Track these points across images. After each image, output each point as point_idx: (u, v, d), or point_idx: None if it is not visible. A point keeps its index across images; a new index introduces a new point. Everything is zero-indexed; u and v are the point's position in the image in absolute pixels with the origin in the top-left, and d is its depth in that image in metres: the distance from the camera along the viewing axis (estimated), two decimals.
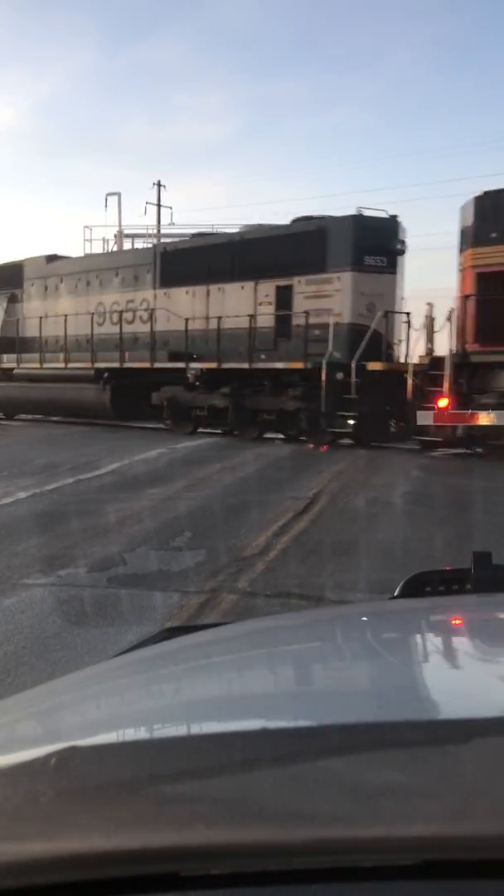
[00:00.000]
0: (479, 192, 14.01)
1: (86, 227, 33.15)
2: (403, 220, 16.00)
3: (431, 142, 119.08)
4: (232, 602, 5.19)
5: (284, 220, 17.87)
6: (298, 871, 0.59)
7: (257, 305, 16.94)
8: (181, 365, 17.89)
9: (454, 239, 14.75)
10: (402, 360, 15.47)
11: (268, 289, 16.85)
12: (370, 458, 13.25)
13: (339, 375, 14.85)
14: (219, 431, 17.63)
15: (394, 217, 15.87)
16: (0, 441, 16.96)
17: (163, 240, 29.07)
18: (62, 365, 20.87)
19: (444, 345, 14.37)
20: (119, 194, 28.12)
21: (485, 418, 13.18)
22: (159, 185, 38.51)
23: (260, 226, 17.88)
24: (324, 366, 14.92)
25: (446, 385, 13.55)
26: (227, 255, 17.39)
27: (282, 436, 16.67)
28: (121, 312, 19.82)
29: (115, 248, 26.30)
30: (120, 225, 27.52)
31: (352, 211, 15.79)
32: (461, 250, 14.37)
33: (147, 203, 37.66)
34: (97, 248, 25.74)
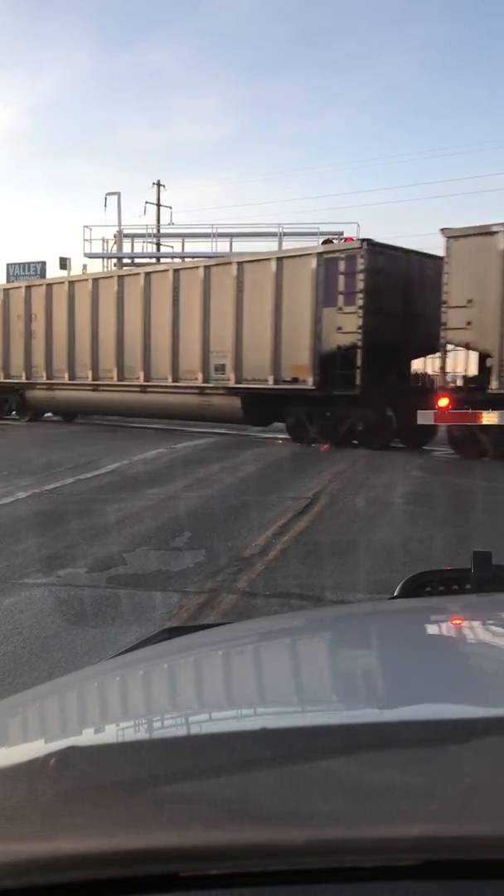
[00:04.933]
0: None
1: (85, 226, 33.15)
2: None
3: (427, 142, 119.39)
4: (232, 602, 5.18)
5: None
6: (298, 871, 0.59)
7: None
8: None
9: None
10: None
11: None
12: (370, 458, 13.24)
13: None
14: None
15: None
16: (0, 441, 16.95)
17: (163, 240, 29.10)
18: None
19: None
20: (119, 194, 28.07)
21: (487, 418, 13.12)
22: (159, 184, 38.61)
23: None
24: None
25: None
26: None
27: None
28: None
29: (114, 249, 26.29)
30: (120, 225, 27.49)
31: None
32: None
33: (147, 203, 37.79)
34: (97, 248, 25.77)
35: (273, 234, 24.70)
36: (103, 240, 26.18)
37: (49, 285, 20.62)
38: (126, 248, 26.89)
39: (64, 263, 25.51)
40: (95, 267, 24.53)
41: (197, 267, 17.26)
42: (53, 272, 26.82)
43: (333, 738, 0.75)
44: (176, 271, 17.53)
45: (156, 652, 1.34)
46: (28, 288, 21.07)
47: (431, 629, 1.35)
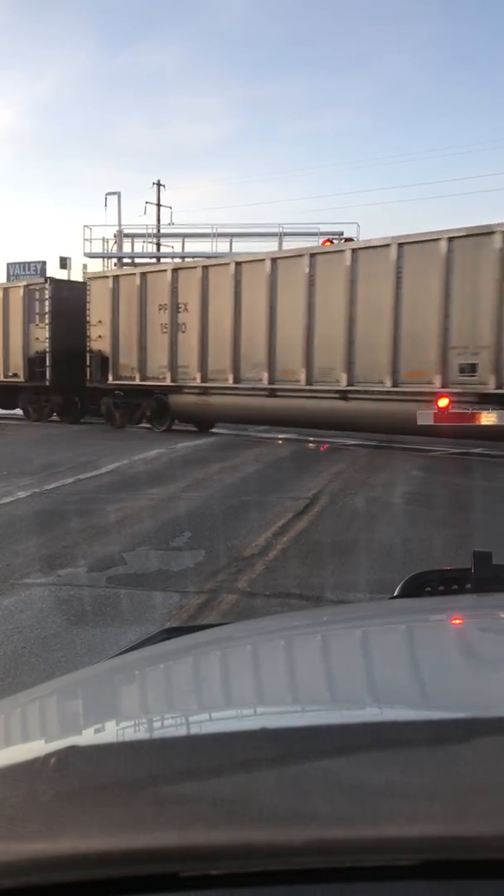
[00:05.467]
0: None
1: (85, 226, 33.19)
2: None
3: (427, 142, 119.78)
4: (231, 602, 5.19)
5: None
6: (298, 871, 0.59)
7: None
8: None
9: None
10: None
11: None
12: (370, 458, 13.24)
13: None
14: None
15: None
16: (0, 441, 16.94)
17: (163, 240, 29.09)
18: None
19: None
20: (119, 194, 28.09)
21: (486, 418, 13.08)
22: (159, 184, 38.65)
23: None
24: None
25: None
26: None
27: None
28: None
29: (114, 249, 26.29)
30: (120, 224, 27.50)
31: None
32: None
33: (147, 203, 37.84)
34: (97, 248, 25.77)
35: (273, 234, 24.72)
36: (103, 239, 26.20)
37: (205, 268, 16.81)
38: (126, 247, 26.91)
39: (64, 263, 25.55)
40: (95, 267, 24.46)
41: (438, 239, 13.00)
42: (53, 272, 26.81)
43: (333, 738, 0.75)
44: (400, 245, 13.45)
45: (155, 652, 1.34)
46: (175, 271, 17.33)
47: (431, 629, 1.35)
